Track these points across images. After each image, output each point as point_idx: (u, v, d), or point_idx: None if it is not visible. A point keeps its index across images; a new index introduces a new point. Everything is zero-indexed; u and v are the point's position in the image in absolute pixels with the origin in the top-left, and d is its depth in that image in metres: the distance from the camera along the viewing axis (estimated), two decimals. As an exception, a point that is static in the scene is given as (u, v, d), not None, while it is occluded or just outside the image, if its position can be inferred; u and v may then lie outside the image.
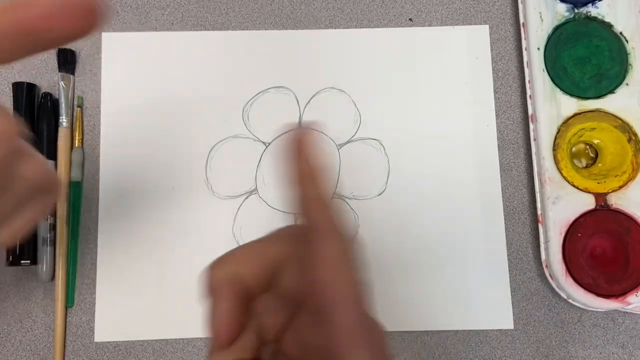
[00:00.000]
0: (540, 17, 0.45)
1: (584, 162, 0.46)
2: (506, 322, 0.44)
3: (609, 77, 0.44)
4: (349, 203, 0.45)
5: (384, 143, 0.46)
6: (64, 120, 0.45)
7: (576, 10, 0.46)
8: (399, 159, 0.45)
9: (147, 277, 0.44)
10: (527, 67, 0.45)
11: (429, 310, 0.44)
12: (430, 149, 0.45)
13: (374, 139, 0.46)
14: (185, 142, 0.45)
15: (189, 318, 0.44)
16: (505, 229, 0.45)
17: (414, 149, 0.45)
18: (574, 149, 0.46)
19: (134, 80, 0.46)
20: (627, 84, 0.44)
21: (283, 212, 0.45)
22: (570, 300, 0.43)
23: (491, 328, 0.43)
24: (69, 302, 0.44)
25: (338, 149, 0.46)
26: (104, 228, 0.44)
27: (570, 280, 0.42)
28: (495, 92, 0.47)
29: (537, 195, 0.44)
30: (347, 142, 0.46)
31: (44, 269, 0.43)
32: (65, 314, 0.43)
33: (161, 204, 0.45)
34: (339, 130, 0.46)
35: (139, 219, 0.44)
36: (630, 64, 0.44)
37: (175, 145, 0.45)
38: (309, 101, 0.46)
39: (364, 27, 0.48)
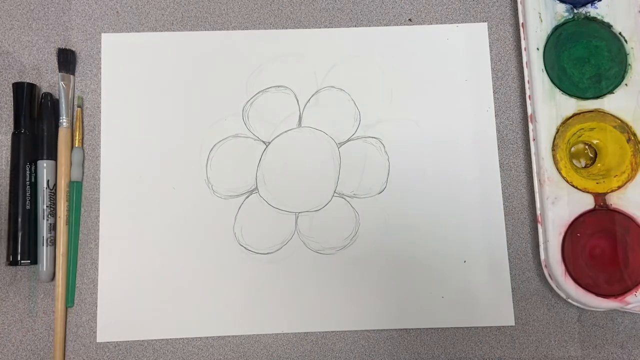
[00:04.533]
0: (540, 17, 0.45)
1: (583, 162, 0.46)
2: (507, 319, 0.43)
3: (608, 78, 0.44)
4: (350, 202, 0.45)
5: (383, 141, 0.46)
6: (64, 120, 0.45)
7: (575, 11, 0.45)
8: (398, 158, 0.45)
9: (148, 277, 0.44)
10: (527, 67, 0.45)
11: (429, 308, 0.44)
12: (430, 147, 0.45)
13: (374, 138, 0.46)
14: (185, 142, 0.45)
15: (189, 318, 0.44)
16: (505, 229, 0.45)
17: (413, 148, 0.45)
18: (573, 149, 0.46)
19: (134, 80, 0.46)
20: (626, 84, 0.44)
21: (284, 211, 0.45)
22: (569, 300, 0.43)
23: (492, 325, 0.43)
24: (69, 302, 0.44)
25: (338, 148, 0.46)
26: (104, 228, 0.44)
27: (569, 280, 0.42)
28: (494, 92, 0.47)
29: (537, 195, 0.44)
30: (347, 140, 0.46)
31: (44, 269, 0.43)
32: (66, 314, 0.43)
33: (162, 204, 0.44)
34: (338, 129, 0.46)
35: (139, 218, 0.44)
36: (630, 64, 0.44)
37: (175, 144, 0.45)
38: (309, 100, 0.46)
39: (363, 27, 0.47)
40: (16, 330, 0.43)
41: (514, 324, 0.43)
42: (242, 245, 0.44)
